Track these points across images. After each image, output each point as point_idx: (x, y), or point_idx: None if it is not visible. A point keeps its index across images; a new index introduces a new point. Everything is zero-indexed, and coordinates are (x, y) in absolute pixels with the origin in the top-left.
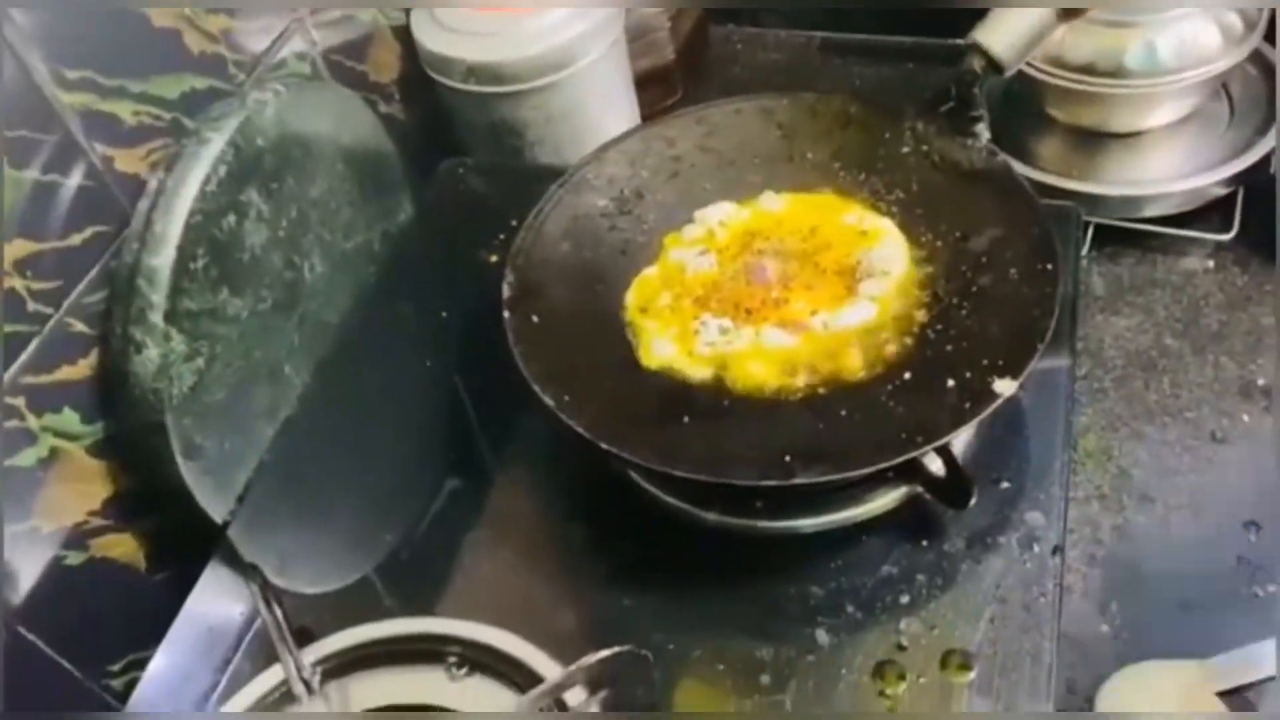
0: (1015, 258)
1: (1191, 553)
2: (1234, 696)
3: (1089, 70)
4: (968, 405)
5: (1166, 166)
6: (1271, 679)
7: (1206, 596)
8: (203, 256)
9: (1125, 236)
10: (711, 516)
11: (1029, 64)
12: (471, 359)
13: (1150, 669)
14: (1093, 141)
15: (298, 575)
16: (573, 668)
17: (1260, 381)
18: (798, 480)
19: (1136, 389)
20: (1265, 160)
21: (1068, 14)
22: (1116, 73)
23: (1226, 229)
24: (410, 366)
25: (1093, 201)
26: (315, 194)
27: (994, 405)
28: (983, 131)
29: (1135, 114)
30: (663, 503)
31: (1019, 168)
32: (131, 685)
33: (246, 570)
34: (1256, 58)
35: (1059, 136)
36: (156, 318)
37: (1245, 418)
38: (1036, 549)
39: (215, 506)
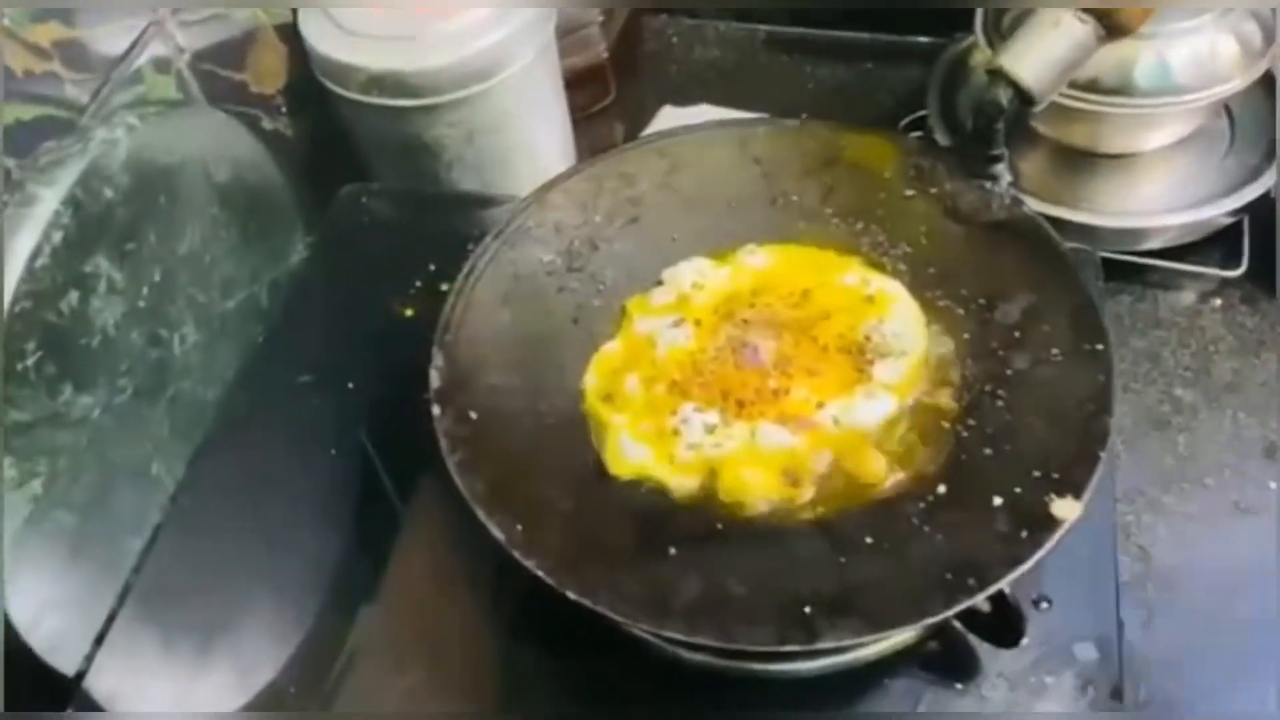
0: (1055, 333)
1: (1227, 654)
2: None
3: (1091, 86)
4: (1024, 534)
5: (1163, 193)
6: None
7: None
8: (34, 352)
9: (1124, 271)
10: (694, 656)
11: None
12: (386, 442)
13: None
14: (1080, 162)
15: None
16: None
17: None
18: (823, 643)
19: (1150, 450)
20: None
21: (1111, 33)
22: (1122, 90)
23: (1231, 263)
24: (309, 452)
25: (1089, 232)
26: (184, 249)
27: (1057, 535)
28: (1003, 173)
29: (1134, 135)
30: (630, 636)
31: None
32: None
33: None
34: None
35: (1042, 154)
36: None
37: (1272, 484)
38: (1092, 692)
39: (65, 657)
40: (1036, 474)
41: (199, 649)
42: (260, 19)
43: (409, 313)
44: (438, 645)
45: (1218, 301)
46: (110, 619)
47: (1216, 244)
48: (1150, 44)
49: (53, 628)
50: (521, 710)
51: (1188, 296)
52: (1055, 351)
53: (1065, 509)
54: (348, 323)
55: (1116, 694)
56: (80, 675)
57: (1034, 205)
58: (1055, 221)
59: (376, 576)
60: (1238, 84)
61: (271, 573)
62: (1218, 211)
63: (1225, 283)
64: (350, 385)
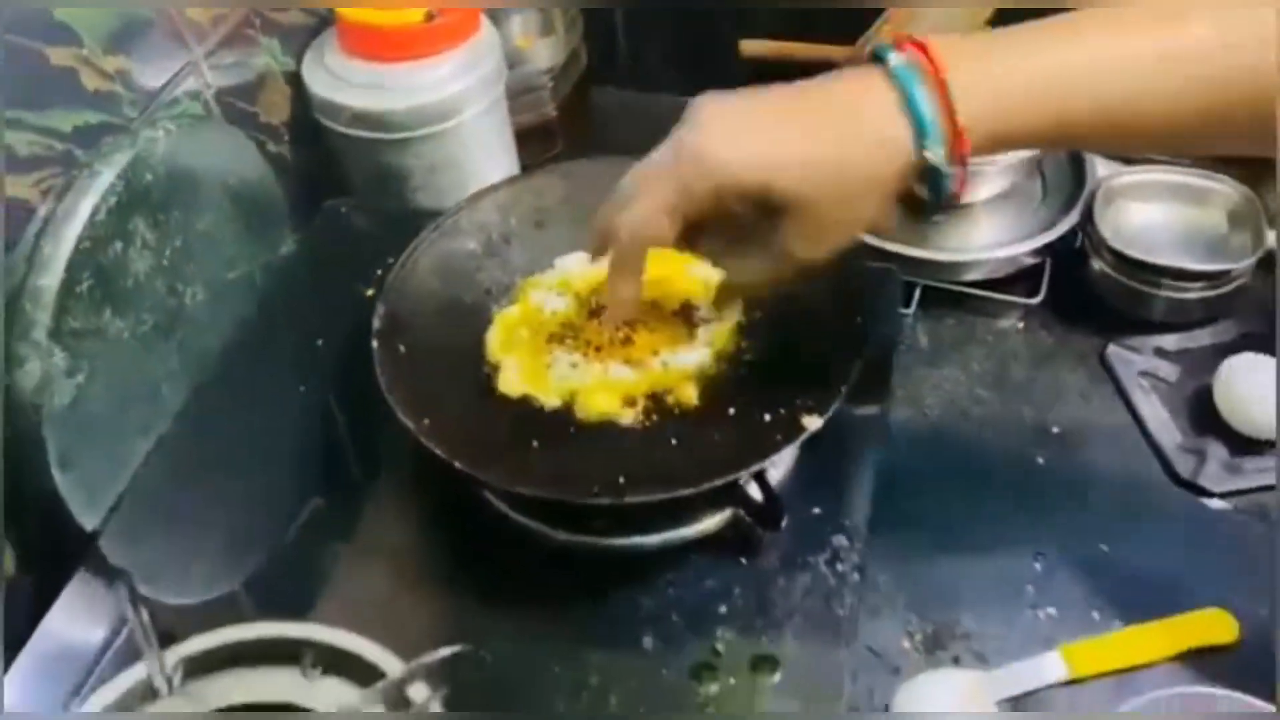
0: (832, 312)
1: (988, 580)
2: (1013, 702)
3: None
4: (779, 437)
5: (987, 236)
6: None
7: (998, 617)
8: (88, 279)
9: (949, 298)
10: (560, 535)
11: None
12: (344, 385)
13: (939, 677)
14: (922, 211)
15: (165, 586)
16: (412, 664)
17: (1054, 429)
18: (628, 499)
19: (954, 439)
20: (1071, 233)
21: None
22: None
23: (1034, 293)
24: (285, 391)
25: (922, 265)
26: (201, 227)
27: (801, 438)
28: None
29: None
30: (515, 521)
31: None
32: None
33: (115, 574)
34: None
35: (897, 207)
36: (40, 335)
37: (1040, 460)
38: (840, 568)
39: (87, 516)
40: (798, 401)
41: (191, 532)
42: (272, 67)
43: (369, 293)
44: (371, 522)
45: (1020, 324)
46: (119, 500)
47: (1026, 278)
48: None
49: (80, 494)
50: (431, 574)
51: (998, 319)
52: (827, 324)
53: (811, 422)
54: (321, 298)
55: (858, 569)
56: (95, 534)
57: (888, 246)
58: (901, 257)
59: (327, 474)
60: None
61: (249, 473)
62: (1023, 250)
63: (1028, 309)
64: (319, 342)
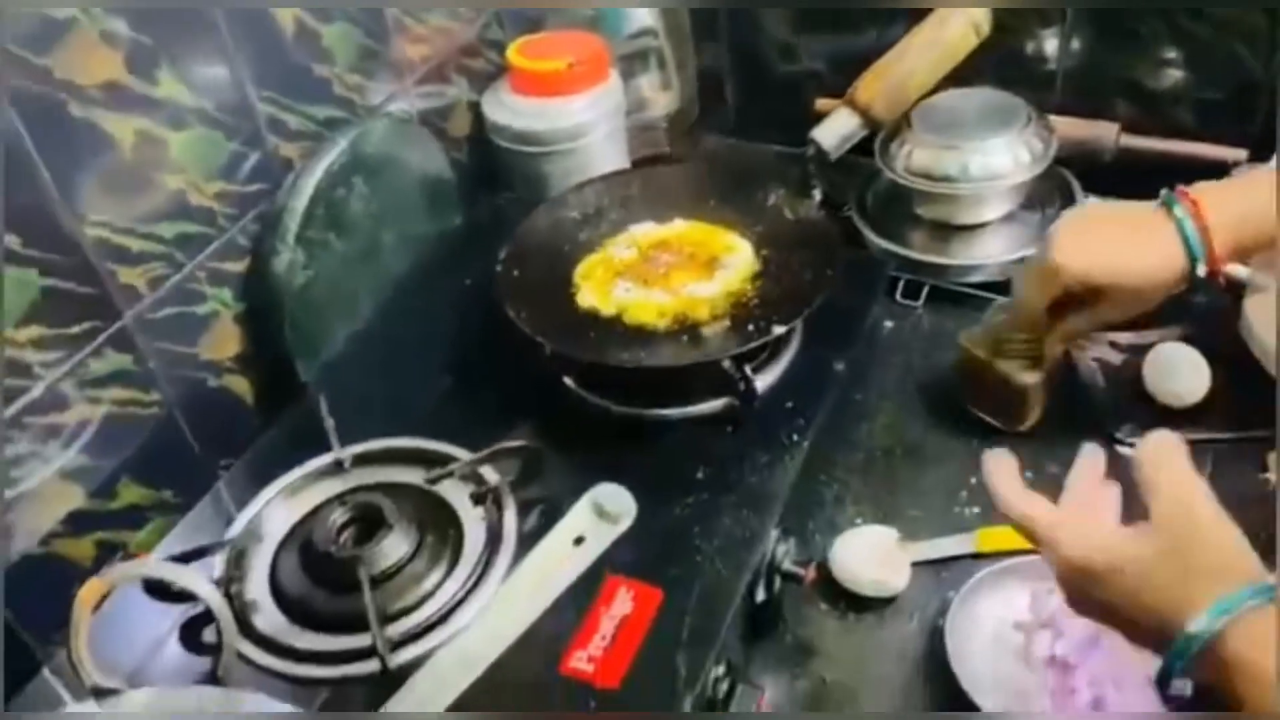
0: (813, 269)
1: (933, 487)
2: (928, 565)
3: (928, 177)
4: (756, 337)
5: (992, 249)
6: (955, 558)
7: (935, 510)
8: (321, 208)
9: (951, 295)
10: (615, 407)
11: (896, 173)
12: (481, 309)
13: (869, 531)
14: (944, 230)
15: (348, 431)
16: (488, 450)
17: None
18: (644, 365)
19: (931, 393)
20: None
21: (869, 124)
22: (945, 179)
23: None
24: (440, 310)
25: (938, 268)
26: (398, 194)
27: (768, 337)
28: (816, 195)
29: (967, 210)
30: (586, 398)
31: (894, 248)
32: None
33: (315, 390)
34: (1054, 175)
35: (923, 227)
36: (290, 237)
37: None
38: (795, 438)
39: (304, 369)
40: (774, 317)
41: (369, 393)
42: (460, 97)
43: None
44: (487, 396)
45: (1004, 315)
46: (324, 365)
47: None
48: (958, 153)
49: (300, 352)
50: (523, 428)
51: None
52: (808, 274)
53: (777, 328)
54: (474, 255)
55: (811, 446)
56: (305, 384)
57: (913, 255)
58: (925, 264)
59: (463, 364)
60: (1014, 179)
61: (411, 359)
62: (1010, 259)
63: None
64: (468, 281)
